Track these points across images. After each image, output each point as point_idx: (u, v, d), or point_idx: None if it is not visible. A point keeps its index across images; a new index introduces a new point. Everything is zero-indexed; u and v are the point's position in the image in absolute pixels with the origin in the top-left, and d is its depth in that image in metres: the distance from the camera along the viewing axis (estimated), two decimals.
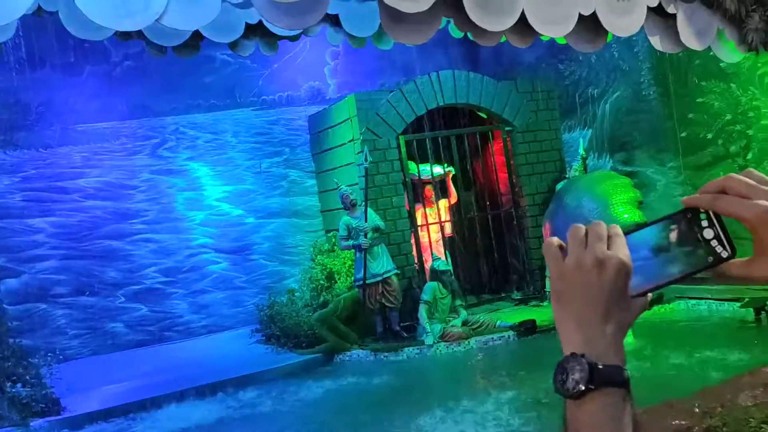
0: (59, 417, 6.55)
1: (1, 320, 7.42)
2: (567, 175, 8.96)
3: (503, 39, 4.19)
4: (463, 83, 9.03)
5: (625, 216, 6.22)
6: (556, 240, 0.87)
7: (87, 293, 8.89)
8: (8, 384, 6.68)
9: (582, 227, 0.85)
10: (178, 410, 6.60)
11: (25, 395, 6.60)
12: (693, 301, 7.90)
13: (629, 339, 6.54)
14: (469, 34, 6.89)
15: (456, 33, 6.82)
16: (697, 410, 3.92)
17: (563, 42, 7.14)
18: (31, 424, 6.38)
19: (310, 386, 6.87)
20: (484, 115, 9.53)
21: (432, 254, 8.17)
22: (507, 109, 9.27)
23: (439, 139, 9.28)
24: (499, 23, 3.76)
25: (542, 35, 4.26)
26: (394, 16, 3.70)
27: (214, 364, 7.86)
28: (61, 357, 7.43)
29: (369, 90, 9.59)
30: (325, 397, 6.54)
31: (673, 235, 0.87)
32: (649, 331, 7.11)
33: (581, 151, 8.86)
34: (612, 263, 0.82)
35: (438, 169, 9.54)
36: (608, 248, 0.83)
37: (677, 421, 3.78)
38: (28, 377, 6.80)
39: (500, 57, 10.56)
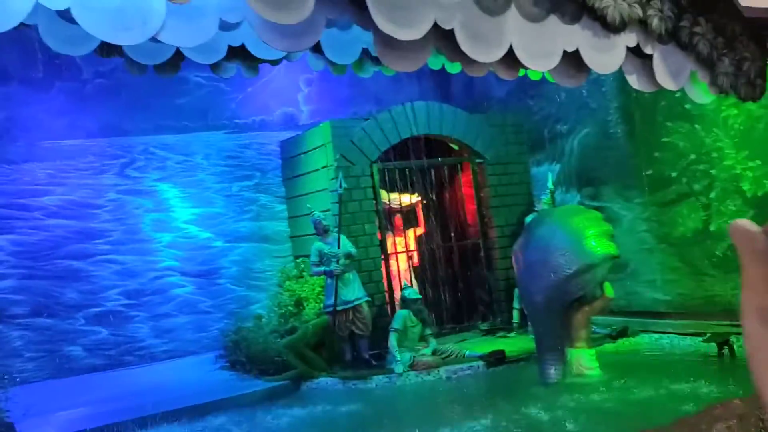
0: None
1: None
2: (536, 208, 9.11)
3: (491, 70, 4.28)
4: (437, 114, 9.17)
5: (598, 249, 6.34)
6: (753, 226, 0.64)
7: (45, 315, 8.59)
8: None
9: None
10: None
11: None
12: (656, 335, 8.06)
13: (595, 372, 6.63)
14: (447, 65, 7.00)
15: (436, 65, 6.94)
16: None
17: (537, 78, 7.34)
18: None
19: (277, 413, 6.73)
20: (455, 146, 9.66)
21: (402, 282, 8.17)
22: (479, 141, 9.43)
23: (411, 169, 9.36)
24: (488, 55, 3.84)
25: (528, 68, 4.37)
26: (388, 43, 3.75)
27: (176, 390, 7.67)
28: (16, 380, 7.14)
29: (341, 117, 9.65)
30: (293, 425, 6.41)
31: None
32: (616, 364, 7.21)
33: (549, 184, 9.03)
34: None
35: (408, 199, 9.63)
36: None
37: None
38: None
39: (471, 90, 10.77)
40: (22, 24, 4.50)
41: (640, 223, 8.29)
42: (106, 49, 5.49)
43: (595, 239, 6.37)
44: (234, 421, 6.62)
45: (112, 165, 9.23)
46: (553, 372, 6.42)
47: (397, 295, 8.94)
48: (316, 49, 5.60)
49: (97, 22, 2.92)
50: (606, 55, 4.41)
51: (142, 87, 9.04)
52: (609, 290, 6.67)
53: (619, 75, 7.53)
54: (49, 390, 7.96)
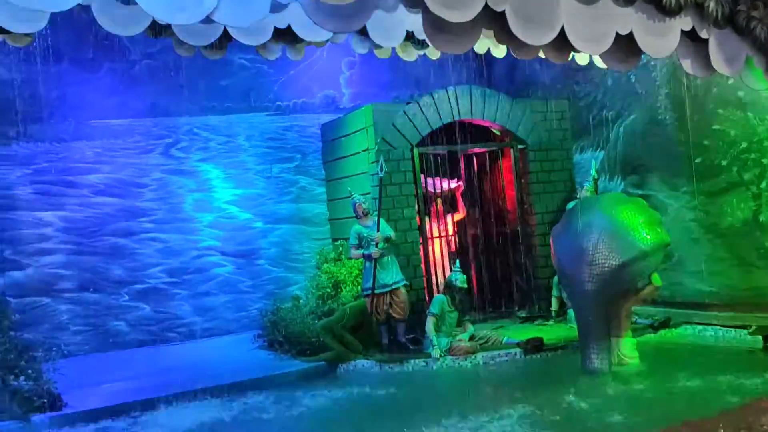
0: (60, 413, 6.47)
1: (5, 313, 7.35)
2: (577, 196, 8.98)
3: (541, 53, 4.21)
4: (479, 99, 9.08)
5: (652, 237, 6.24)
6: None
7: (91, 290, 8.83)
8: (10, 377, 6.60)
9: None
10: (180, 411, 6.52)
11: (27, 389, 6.52)
12: (700, 327, 7.91)
13: (635, 361, 6.55)
14: (493, 49, 6.90)
15: (481, 48, 6.85)
16: (722, 431, 3.92)
17: (584, 62, 7.19)
18: (32, 418, 6.30)
19: (314, 394, 6.80)
20: (497, 132, 9.57)
21: (455, 265, 8.09)
22: (521, 127, 9.32)
23: (452, 154, 9.30)
24: (539, 38, 3.78)
25: (579, 52, 4.28)
26: (437, 25, 3.71)
27: (216, 368, 7.79)
28: (64, 352, 7.36)
29: (383, 101, 9.63)
30: (330, 405, 6.47)
31: None
32: (657, 355, 7.12)
33: (593, 172, 8.88)
34: None
35: (449, 183, 9.58)
36: None
37: None
38: (30, 371, 6.72)
39: (514, 75, 10.63)
40: (78, 4, 4.60)
41: (687, 213, 8.11)
42: (157, 30, 5.57)
43: (647, 227, 6.28)
44: (272, 399, 6.71)
45: (157, 145, 9.39)
46: (599, 361, 6.33)
47: (435, 279, 8.93)
48: (361, 31, 5.58)
49: (153, 1, 2.96)
50: (660, 39, 4.30)
51: (187, 68, 9.14)
52: (657, 279, 6.56)
53: (671, 60, 7.36)
54: (94, 363, 8.18)
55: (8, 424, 6.18)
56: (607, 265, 6.20)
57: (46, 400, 6.48)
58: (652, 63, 8.17)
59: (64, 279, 8.71)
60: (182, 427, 6.05)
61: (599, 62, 6.34)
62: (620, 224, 6.27)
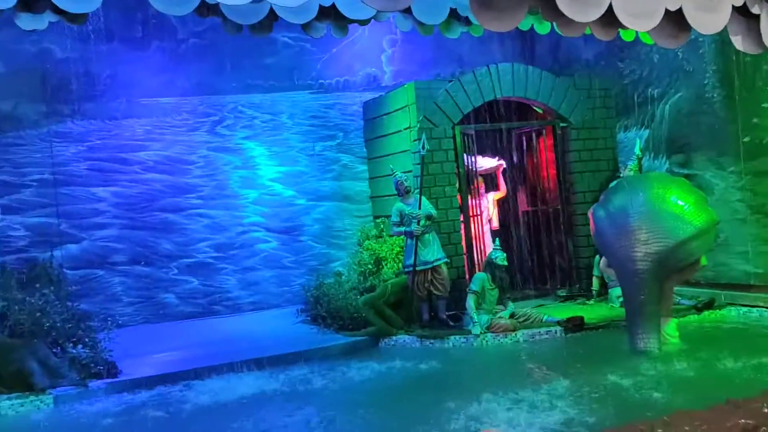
0: (116, 380, 6.79)
1: (62, 284, 7.70)
2: (620, 175, 8.90)
3: (588, 30, 4.20)
4: (522, 77, 9.03)
5: (702, 216, 6.16)
6: None
7: (142, 263, 9.14)
8: (69, 345, 6.94)
9: None
10: (229, 381, 6.75)
11: (84, 357, 6.85)
12: (744, 309, 7.82)
13: (675, 340, 6.52)
14: (537, 25, 6.87)
15: (525, 25, 6.82)
16: (766, 410, 3.93)
17: (630, 39, 7.10)
18: (90, 384, 6.62)
19: (358, 367, 6.96)
20: (539, 110, 9.51)
21: (495, 244, 8.15)
22: (564, 105, 9.24)
23: (493, 132, 9.29)
24: (586, 14, 3.78)
25: (627, 29, 4.26)
26: (483, 2, 3.74)
27: (261, 340, 8.03)
28: (119, 322, 7.67)
29: (424, 79, 9.64)
30: (374, 378, 6.63)
31: None
32: (700, 335, 7.09)
33: (637, 150, 8.78)
34: None
35: (490, 162, 9.59)
36: None
37: (744, 420, 3.80)
38: (87, 340, 7.06)
39: (558, 52, 10.51)
40: None
41: (734, 193, 7.98)
42: (205, 9, 5.71)
43: (700, 206, 6.23)
44: (315, 372, 6.88)
45: (204, 122, 9.60)
46: (648, 341, 6.30)
47: (476, 257, 8.99)
48: (405, 9, 5.62)
49: None
50: (710, 15, 4.25)
51: (232, 47, 9.33)
52: (704, 258, 6.52)
53: (720, 36, 7.20)
54: (145, 333, 8.49)
55: (68, 389, 6.51)
56: (663, 244, 6.11)
57: (102, 368, 6.81)
58: (700, 39, 8.00)
59: (117, 252, 9.05)
60: (230, 396, 6.28)
61: (646, 38, 6.26)
62: (674, 203, 6.20)
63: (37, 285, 7.15)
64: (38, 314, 6.72)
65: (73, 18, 5.48)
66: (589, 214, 6.87)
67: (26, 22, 5.17)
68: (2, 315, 6.74)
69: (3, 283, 6.97)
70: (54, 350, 6.77)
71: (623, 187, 6.64)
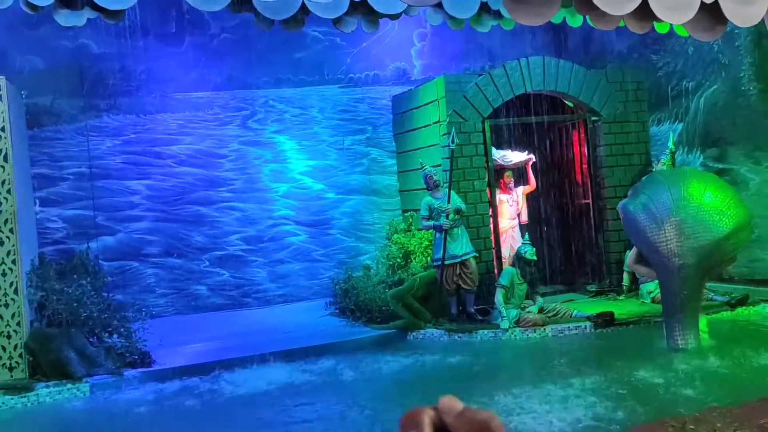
0: (150, 369, 6.93)
1: (98, 275, 7.86)
2: (653, 169, 8.79)
3: (621, 23, 4.16)
4: (553, 70, 8.95)
5: (741, 211, 6.08)
6: None
7: (175, 255, 9.31)
8: (105, 334, 7.11)
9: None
10: (259, 372, 6.85)
11: (119, 346, 7.01)
12: None
13: (705, 335, 6.44)
14: (569, 18, 6.81)
15: (572, 21, 6.77)
16: None
17: (664, 31, 6.99)
18: (125, 373, 6.78)
19: (386, 360, 7.01)
20: (570, 104, 9.42)
21: (524, 238, 8.13)
22: (595, 98, 9.15)
23: (523, 126, 9.24)
24: (621, 7, 3.74)
25: (662, 21, 4.20)
26: None
27: (291, 332, 8.13)
28: (152, 313, 7.82)
29: (453, 73, 9.62)
30: (402, 371, 6.68)
31: None
32: (732, 332, 6.98)
33: (670, 144, 8.66)
34: None
35: (519, 156, 9.54)
36: None
37: None
38: (122, 330, 7.21)
39: (589, 45, 10.40)
40: None
41: None
42: (237, 4, 5.77)
43: (738, 201, 6.16)
44: (344, 364, 6.95)
45: (235, 117, 9.72)
46: (686, 338, 6.22)
47: (503, 252, 8.96)
48: (436, 3, 5.62)
49: None
50: (747, 7, 4.17)
51: (262, 42, 9.42)
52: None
53: (756, 29, 7.06)
54: (178, 324, 8.64)
55: (104, 378, 6.67)
56: (707, 238, 6.00)
57: (136, 357, 6.96)
58: (736, 31, 7.85)
59: (151, 244, 9.23)
60: (260, 387, 6.38)
61: (681, 31, 6.16)
62: (715, 197, 6.11)
63: (75, 276, 7.33)
64: (75, 304, 6.88)
65: (111, 14, 5.58)
66: (619, 209, 6.77)
67: (65, 18, 5.28)
68: (41, 305, 6.93)
69: (42, 274, 7.15)
70: (90, 339, 6.95)
71: (660, 180, 6.51)
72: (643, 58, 9.44)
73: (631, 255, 7.61)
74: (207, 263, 9.45)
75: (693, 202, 6.09)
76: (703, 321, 6.62)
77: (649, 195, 6.38)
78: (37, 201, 8.62)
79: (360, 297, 8.53)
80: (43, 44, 8.63)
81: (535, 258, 7.85)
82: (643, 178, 8.02)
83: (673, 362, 5.96)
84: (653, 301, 7.97)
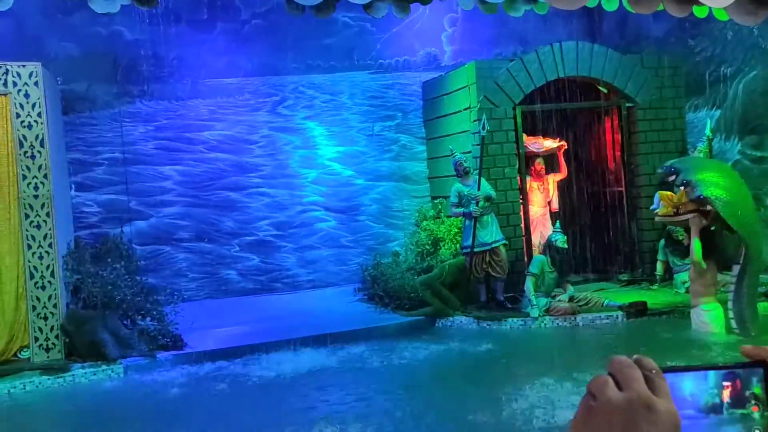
0: (182, 352, 7.04)
1: (132, 258, 7.99)
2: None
3: (660, 7, 4.05)
4: (586, 55, 8.79)
5: None
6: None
7: (206, 240, 9.41)
8: (138, 317, 7.23)
9: (606, 376, 0.66)
10: (287, 357, 6.92)
11: (152, 329, 7.13)
12: None
13: (720, 330, 6.33)
14: (605, 2, 6.67)
15: (607, 5, 6.62)
16: None
17: (703, 15, 6.80)
18: (158, 355, 6.90)
19: (415, 347, 7.02)
20: (604, 89, 9.25)
21: (555, 226, 8.04)
22: (630, 84, 8.96)
23: (556, 112, 9.10)
24: None
25: (702, 5, 4.09)
26: None
27: (320, 318, 8.16)
28: (184, 297, 7.93)
29: (484, 58, 9.50)
30: (431, 358, 6.68)
31: (727, 393, 0.68)
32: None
33: (707, 132, 8.43)
34: (662, 412, 0.62)
35: (551, 143, 9.40)
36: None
37: None
38: (154, 313, 7.34)
39: (625, 30, 10.18)
40: None
41: None
42: None
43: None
44: (372, 350, 6.98)
45: (266, 103, 9.75)
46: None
47: (534, 239, 8.88)
48: None
49: None
50: None
51: (293, 28, 9.41)
52: None
53: None
54: (209, 308, 8.76)
55: (137, 360, 6.80)
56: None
57: (168, 340, 7.08)
58: None
59: (182, 229, 9.34)
60: (290, 370, 6.44)
61: (721, 15, 5.99)
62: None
63: (109, 259, 7.46)
64: (110, 287, 7.01)
65: (145, 1, 5.63)
66: (701, 195, 6.29)
67: (100, 5, 5.32)
68: (76, 287, 7.07)
69: (77, 257, 7.29)
70: (124, 322, 7.08)
71: (713, 163, 6.56)
72: (680, 42, 9.21)
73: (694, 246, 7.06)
74: (237, 248, 9.54)
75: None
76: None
77: (723, 175, 6.33)
78: (73, 186, 8.78)
79: (389, 283, 8.53)
80: (78, 31, 8.75)
81: (566, 246, 7.75)
82: (681, 165, 7.65)
83: (706, 353, 5.86)
84: (687, 291, 7.82)
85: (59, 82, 8.24)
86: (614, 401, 0.64)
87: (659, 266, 8.71)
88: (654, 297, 7.96)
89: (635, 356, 0.68)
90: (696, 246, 6.31)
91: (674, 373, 0.68)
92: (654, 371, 0.66)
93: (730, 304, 6.40)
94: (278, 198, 9.74)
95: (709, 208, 6.23)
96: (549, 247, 7.79)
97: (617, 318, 7.44)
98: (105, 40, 8.92)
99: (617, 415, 0.63)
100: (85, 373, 6.57)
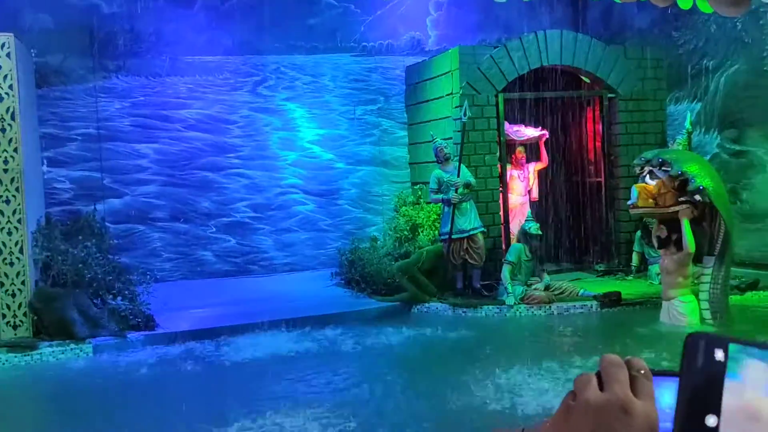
0: (153, 332, 6.95)
1: (104, 237, 7.86)
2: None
3: None
4: (570, 44, 8.75)
5: None
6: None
7: (181, 220, 9.29)
8: (109, 297, 7.12)
9: (591, 375, 0.65)
10: (261, 339, 6.85)
11: (123, 309, 7.03)
12: None
13: (696, 321, 6.37)
14: None
15: None
16: None
17: (687, 7, 6.79)
18: (128, 335, 6.80)
19: (389, 332, 6.99)
20: (586, 79, 9.23)
21: (527, 215, 8.05)
22: (613, 74, 8.94)
23: (537, 101, 9.07)
24: None
25: None
26: None
27: (295, 301, 8.11)
28: (157, 277, 7.83)
29: (468, 44, 9.43)
30: (405, 343, 6.66)
31: None
32: (740, 316, 6.88)
33: (687, 124, 8.45)
34: (638, 415, 0.61)
35: (532, 131, 9.38)
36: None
37: None
38: (126, 292, 7.23)
39: (608, 20, 10.16)
40: None
41: None
42: None
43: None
44: (348, 334, 6.94)
45: (246, 83, 9.60)
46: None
47: (513, 228, 8.87)
48: None
49: None
50: None
51: (276, 7, 9.27)
52: None
53: None
54: (183, 289, 8.66)
55: (107, 339, 6.70)
56: None
57: (140, 320, 6.98)
58: (761, 9, 7.62)
59: (158, 209, 9.21)
60: (262, 354, 6.38)
61: (704, 7, 5.97)
62: None
63: (80, 237, 7.33)
64: (80, 265, 6.89)
65: None
66: (701, 186, 6.29)
67: None
68: (46, 265, 6.93)
69: (48, 234, 7.14)
70: (94, 301, 6.96)
71: (694, 156, 6.58)
72: (663, 34, 9.21)
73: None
74: (213, 229, 9.43)
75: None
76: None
77: (706, 167, 6.38)
78: (45, 161, 8.60)
79: (366, 268, 8.48)
80: (54, 2, 8.55)
81: (540, 233, 7.77)
82: (667, 157, 7.58)
83: (677, 343, 5.88)
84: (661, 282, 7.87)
85: (33, 55, 8.04)
86: (591, 402, 0.62)
87: (635, 257, 8.77)
88: (628, 287, 8.01)
89: (627, 357, 0.66)
90: (689, 236, 6.32)
91: (662, 379, 0.64)
92: (642, 372, 0.64)
93: (703, 295, 6.44)
94: (256, 180, 9.63)
95: (696, 198, 6.25)
96: (524, 235, 7.81)
97: (592, 307, 7.47)
98: (81, 12, 8.72)
99: (593, 416, 0.62)
100: (53, 351, 6.46)
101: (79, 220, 7.86)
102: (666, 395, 0.63)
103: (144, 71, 9.11)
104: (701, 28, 8.59)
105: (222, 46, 9.42)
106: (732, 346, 0.60)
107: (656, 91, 9.14)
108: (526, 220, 7.93)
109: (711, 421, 0.59)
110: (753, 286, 7.72)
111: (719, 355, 0.60)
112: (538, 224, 7.79)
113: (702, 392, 0.59)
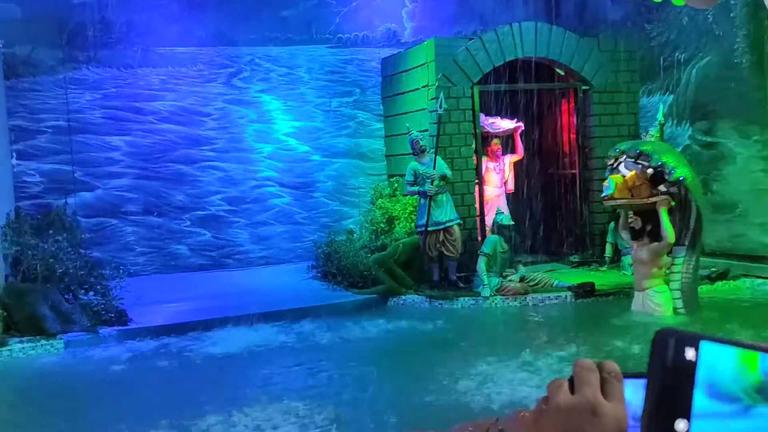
0: (126, 327, 6.87)
1: (75, 231, 7.74)
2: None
3: None
4: (545, 36, 8.79)
5: None
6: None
7: (155, 214, 9.17)
8: (81, 292, 7.02)
9: (563, 380, 0.66)
10: (237, 333, 6.81)
11: (96, 304, 6.93)
12: (759, 281, 7.70)
13: (669, 311, 6.46)
14: None
15: None
16: None
17: (659, 0, 6.84)
18: (101, 331, 6.71)
19: (365, 325, 6.99)
20: (561, 71, 9.28)
21: (497, 208, 8.11)
22: (586, 67, 9.00)
23: (513, 93, 9.10)
24: None
25: None
26: None
27: (272, 294, 8.07)
28: (130, 271, 7.72)
29: (444, 36, 9.41)
30: (380, 336, 6.67)
31: None
32: (712, 306, 7.00)
33: (660, 116, 8.52)
34: (607, 416, 0.61)
35: (508, 123, 9.41)
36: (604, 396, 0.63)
37: None
38: (98, 287, 7.13)
39: (582, 12, 10.21)
40: None
41: (756, 162, 7.79)
42: None
43: None
44: (324, 327, 6.93)
45: (220, 74, 9.49)
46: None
47: (488, 220, 8.91)
48: None
49: None
50: None
51: None
52: None
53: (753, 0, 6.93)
54: (156, 283, 8.55)
55: (79, 335, 6.60)
56: None
57: (113, 315, 6.89)
58: (732, 1, 7.72)
59: (130, 202, 9.08)
60: (237, 348, 6.35)
61: None
62: None
63: (51, 231, 7.21)
64: (51, 260, 6.78)
65: None
66: (680, 178, 6.36)
67: None
68: (16, 260, 6.82)
69: (17, 228, 7.02)
70: (66, 296, 6.86)
71: (669, 147, 6.81)
72: (636, 27, 9.29)
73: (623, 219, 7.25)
74: (188, 223, 9.33)
75: None
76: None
77: (683, 160, 6.47)
78: (14, 154, 8.43)
79: (342, 261, 8.46)
80: None
81: (511, 223, 7.84)
82: (646, 148, 7.61)
83: (650, 332, 5.96)
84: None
85: (0, 45, 7.86)
86: (562, 405, 0.64)
87: (608, 248, 8.86)
88: (602, 278, 8.10)
89: (600, 360, 0.66)
90: (668, 227, 6.37)
91: (635, 380, 0.62)
92: (612, 374, 0.64)
93: (675, 285, 6.53)
94: (231, 172, 9.54)
95: (673, 189, 6.32)
96: (497, 226, 7.87)
97: (566, 298, 7.54)
98: (50, 1, 8.53)
99: (563, 419, 0.63)
100: (24, 347, 6.35)
101: (49, 214, 7.73)
102: (627, 391, 0.62)
103: (115, 62, 8.95)
104: (673, 20, 8.67)
105: (195, 37, 9.29)
106: (704, 345, 0.56)
107: (629, 83, 9.23)
108: (497, 213, 8.00)
109: (681, 426, 0.55)
110: (723, 275, 7.85)
111: (690, 354, 0.56)
112: (509, 215, 7.86)
113: (671, 394, 0.56)
